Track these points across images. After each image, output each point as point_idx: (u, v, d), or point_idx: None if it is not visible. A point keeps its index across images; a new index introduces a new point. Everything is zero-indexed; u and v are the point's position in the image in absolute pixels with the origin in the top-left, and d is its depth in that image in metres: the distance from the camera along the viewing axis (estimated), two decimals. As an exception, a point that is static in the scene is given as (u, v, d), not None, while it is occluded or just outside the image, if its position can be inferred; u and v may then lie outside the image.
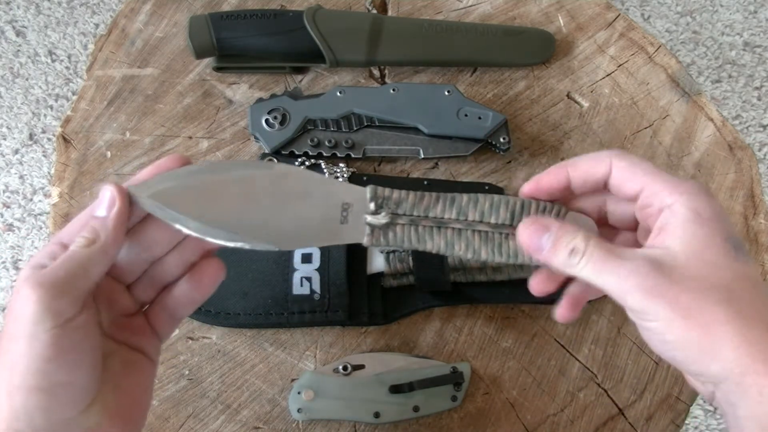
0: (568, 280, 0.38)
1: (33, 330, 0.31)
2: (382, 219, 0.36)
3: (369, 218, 0.36)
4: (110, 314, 0.38)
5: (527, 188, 0.38)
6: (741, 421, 0.31)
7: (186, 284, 0.38)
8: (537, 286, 0.38)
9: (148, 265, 0.38)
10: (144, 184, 0.35)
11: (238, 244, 0.35)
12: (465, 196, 0.38)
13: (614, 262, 0.32)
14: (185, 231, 0.35)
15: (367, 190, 0.37)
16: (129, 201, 0.34)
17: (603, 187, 0.37)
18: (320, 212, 0.36)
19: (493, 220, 0.38)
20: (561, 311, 0.38)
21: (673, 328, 0.31)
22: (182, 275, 0.38)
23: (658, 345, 0.33)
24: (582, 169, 0.37)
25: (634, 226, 0.38)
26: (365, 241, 0.37)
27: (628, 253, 0.33)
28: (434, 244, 0.38)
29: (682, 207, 0.32)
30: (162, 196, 0.34)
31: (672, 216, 0.33)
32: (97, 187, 0.35)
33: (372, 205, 0.37)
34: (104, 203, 0.34)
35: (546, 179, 0.38)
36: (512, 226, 0.38)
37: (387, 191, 0.37)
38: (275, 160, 0.50)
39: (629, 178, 0.35)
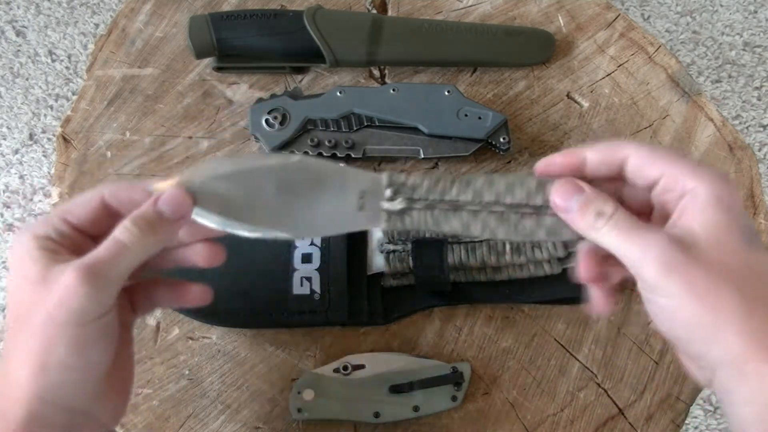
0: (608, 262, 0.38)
1: (79, 319, 0.32)
2: (398, 205, 0.37)
3: (386, 205, 0.37)
4: None
5: (541, 165, 0.39)
6: (737, 407, 0.32)
7: (171, 293, 0.39)
8: (587, 272, 0.37)
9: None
10: (168, 181, 0.36)
11: (257, 235, 0.36)
12: (481, 178, 0.38)
13: (637, 232, 0.33)
14: (208, 224, 0.36)
15: (383, 177, 0.37)
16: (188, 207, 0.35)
17: (618, 175, 0.37)
18: (338, 200, 0.37)
19: (508, 201, 0.38)
20: (598, 303, 0.37)
21: (684, 307, 0.32)
22: (170, 266, 0.39)
23: (664, 322, 0.34)
24: (600, 152, 0.37)
25: (648, 211, 0.38)
26: (383, 226, 0.37)
27: (651, 227, 0.34)
28: (450, 226, 0.38)
29: (704, 192, 0.33)
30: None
31: (694, 200, 0.33)
32: (162, 185, 0.35)
33: (388, 192, 0.37)
34: (174, 203, 0.34)
35: (560, 159, 0.38)
36: (527, 205, 0.38)
37: (403, 177, 0.38)
38: (275, 160, 0.50)
39: (649, 164, 0.35)
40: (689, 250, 0.32)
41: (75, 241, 0.35)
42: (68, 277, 0.32)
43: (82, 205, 0.36)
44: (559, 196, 0.36)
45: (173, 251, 0.39)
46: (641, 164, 0.36)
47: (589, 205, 0.35)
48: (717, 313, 0.32)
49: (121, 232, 0.33)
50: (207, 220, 0.36)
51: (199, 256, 0.39)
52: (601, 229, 0.34)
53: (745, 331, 0.31)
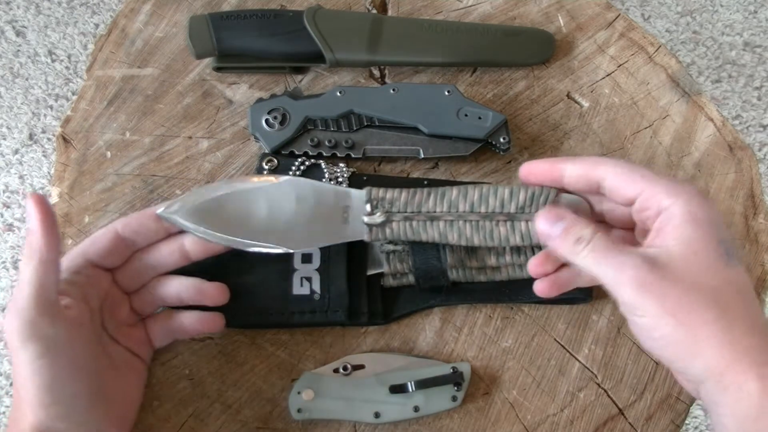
0: (564, 265, 0.41)
1: (28, 357, 0.34)
2: (378, 218, 0.40)
3: (366, 219, 0.41)
4: (115, 322, 0.42)
5: (523, 170, 0.41)
6: (722, 419, 0.32)
7: (194, 319, 0.43)
8: (535, 267, 0.40)
9: (150, 279, 0.43)
10: (174, 204, 0.40)
11: (255, 249, 0.40)
12: (455, 190, 0.41)
13: (613, 254, 0.34)
14: (208, 240, 0.40)
15: (363, 193, 0.41)
16: (48, 208, 0.36)
17: (596, 190, 0.39)
18: (323, 216, 0.41)
19: (483, 210, 0.41)
20: (542, 286, 0.40)
21: (661, 325, 0.33)
22: (175, 304, 0.43)
23: (646, 341, 0.34)
24: (579, 167, 0.39)
25: (630, 225, 0.39)
26: (366, 237, 0.41)
27: (627, 248, 0.34)
28: (428, 235, 0.41)
29: (678, 209, 0.34)
30: (190, 214, 0.40)
31: (669, 218, 0.34)
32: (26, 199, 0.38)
33: (368, 207, 0.40)
34: (30, 215, 0.35)
35: (541, 167, 0.40)
36: (501, 213, 0.41)
37: (381, 192, 0.41)
38: (276, 161, 0.50)
39: (626, 183, 0.36)
40: (664, 268, 0.33)
41: (90, 275, 0.39)
42: (4, 321, 0.35)
43: (97, 241, 0.40)
44: (542, 224, 0.38)
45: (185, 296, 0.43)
46: (618, 183, 0.37)
47: (570, 231, 0.36)
48: (693, 329, 0.32)
49: (22, 262, 0.37)
50: (206, 236, 0.40)
51: (207, 297, 0.43)
52: (581, 253, 0.35)
53: (723, 345, 0.32)
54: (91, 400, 0.37)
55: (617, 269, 0.34)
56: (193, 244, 0.41)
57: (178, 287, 0.42)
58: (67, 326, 0.36)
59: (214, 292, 0.42)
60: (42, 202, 0.35)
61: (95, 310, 0.40)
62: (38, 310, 0.34)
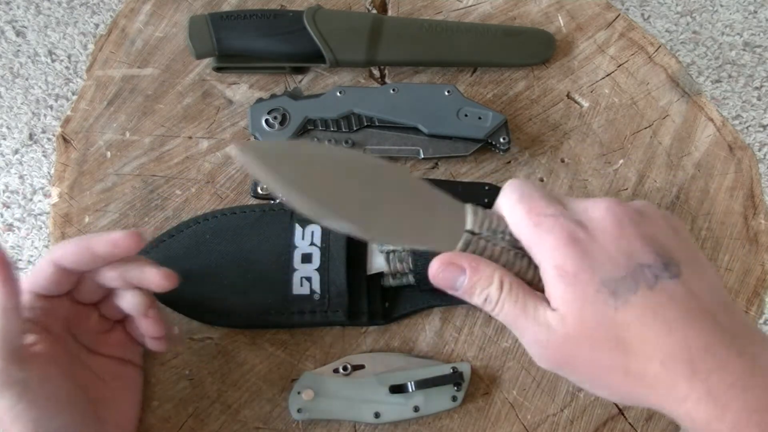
0: None
1: (6, 405, 0.34)
2: (482, 232, 0.34)
3: (465, 237, 0.34)
4: (88, 335, 0.42)
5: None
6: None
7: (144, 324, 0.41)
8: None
9: (107, 292, 0.42)
10: (254, 145, 0.32)
11: (325, 223, 0.32)
12: None
13: (522, 324, 0.33)
14: (277, 193, 0.33)
15: (469, 210, 0.34)
16: (3, 255, 0.35)
17: None
18: (420, 217, 0.34)
19: None
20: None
21: (585, 387, 0.34)
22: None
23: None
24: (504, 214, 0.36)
25: None
26: (459, 248, 0.35)
27: (533, 312, 0.33)
28: None
29: (548, 267, 0.32)
30: (269, 159, 0.31)
31: (545, 275, 0.32)
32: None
33: (471, 218, 0.34)
34: None
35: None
36: None
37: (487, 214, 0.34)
38: (275, 160, 0.50)
39: (516, 234, 0.34)
40: (563, 339, 0.32)
41: (44, 306, 0.39)
42: None
43: (39, 277, 0.38)
44: (441, 279, 0.35)
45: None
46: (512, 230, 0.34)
47: (474, 290, 0.34)
48: (613, 388, 0.32)
49: None
50: (275, 190, 0.32)
51: (149, 282, 0.39)
52: (491, 311, 0.34)
53: (644, 390, 0.31)
54: (81, 425, 0.38)
55: (528, 343, 0.33)
56: (133, 272, 0.39)
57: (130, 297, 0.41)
58: (38, 364, 0.36)
59: (155, 277, 0.39)
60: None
61: (61, 334, 0.39)
62: (6, 359, 0.34)
